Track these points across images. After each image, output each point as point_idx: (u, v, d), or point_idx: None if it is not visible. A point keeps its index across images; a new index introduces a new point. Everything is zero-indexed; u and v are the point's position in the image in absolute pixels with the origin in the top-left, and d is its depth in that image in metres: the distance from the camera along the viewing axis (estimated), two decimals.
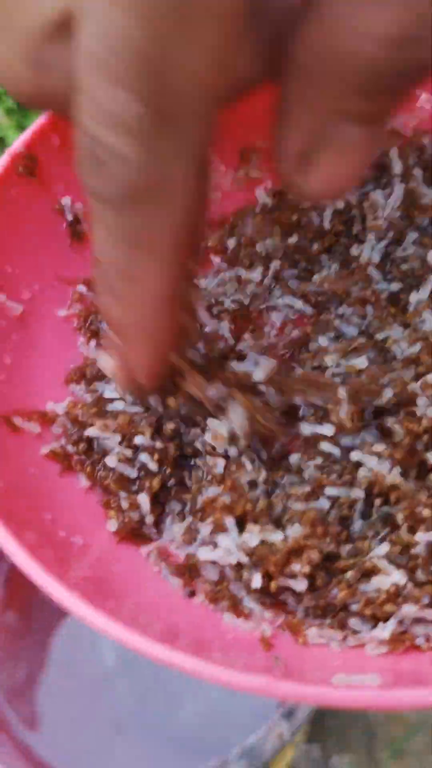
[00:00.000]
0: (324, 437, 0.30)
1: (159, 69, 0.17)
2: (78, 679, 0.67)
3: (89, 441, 0.32)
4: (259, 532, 0.28)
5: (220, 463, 0.30)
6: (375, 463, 0.29)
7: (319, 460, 0.30)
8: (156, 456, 0.31)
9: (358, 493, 0.29)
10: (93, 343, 0.36)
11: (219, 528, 0.29)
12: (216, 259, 0.38)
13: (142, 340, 0.25)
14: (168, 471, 0.31)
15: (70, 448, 0.32)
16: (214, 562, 0.29)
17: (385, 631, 0.26)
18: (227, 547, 0.28)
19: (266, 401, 0.31)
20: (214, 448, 0.30)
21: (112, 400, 0.33)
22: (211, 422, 0.30)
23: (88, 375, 0.35)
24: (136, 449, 0.31)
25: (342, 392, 0.29)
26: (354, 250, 0.35)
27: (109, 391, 0.34)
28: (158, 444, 0.31)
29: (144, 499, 0.31)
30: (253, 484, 0.30)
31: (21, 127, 0.70)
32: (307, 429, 0.30)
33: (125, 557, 0.30)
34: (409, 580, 0.27)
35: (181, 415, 0.31)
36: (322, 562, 0.28)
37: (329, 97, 0.20)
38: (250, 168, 0.39)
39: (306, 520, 0.28)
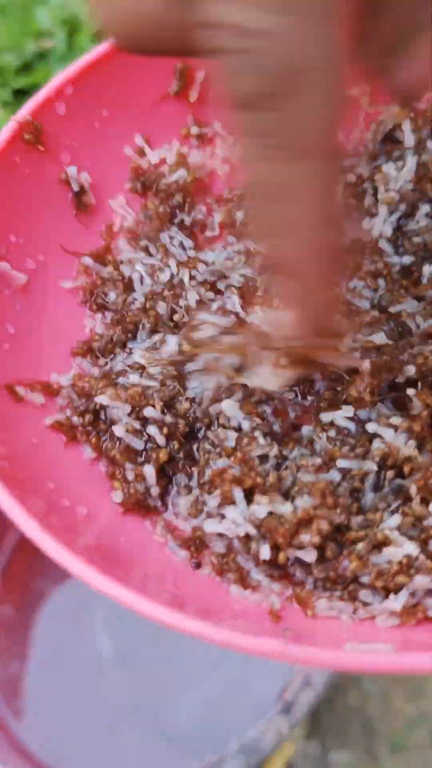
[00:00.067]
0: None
1: None
2: (73, 674, 0.66)
3: (96, 413, 0.32)
4: (268, 504, 0.28)
5: (232, 435, 0.30)
6: (391, 435, 0.28)
7: (332, 433, 0.29)
8: (165, 430, 0.30)
9: (371, 466, 0.28)
10: (99, 317, 0.36)
11: (227, 500, 0.28)
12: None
13: (319, 267, 0.23)
14: (176, 445, 0.31)
15: (75, 420, 0.32)
16: (221, 534, 0.28)
17: (396, 602, 0.26)
18: (235, 519, 0.28)
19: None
20: (229, 420, 0.30)
21: (122, 373, 0.32)
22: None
23: (95, 349, 0.34)
24: (145, 422, 0.31)
25: (367, 365, 0.29)
26: (365, 224, 0.34)
27: (120, 364, 0.33)
28: (168, 418, 0.30)
29: (150, 471, 0.30)
30: (263, 458, 0.29)
31: None
32: (326, 418, 0.30)
33: (131, 528, 0.30)
34: (422, 551, 0.26)
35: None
36: (332, 534, 0.27)
37: None
38: None
39: (316, 490, 0.27)
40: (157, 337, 0.34)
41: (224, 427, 0.30)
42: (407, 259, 0.33)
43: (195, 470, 0.31)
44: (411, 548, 0.26)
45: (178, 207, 0.38)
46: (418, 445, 0.28)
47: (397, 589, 0.26)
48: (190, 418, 0.31)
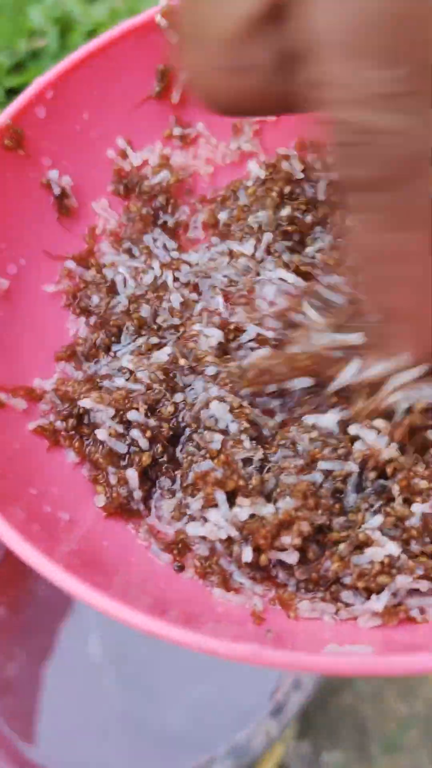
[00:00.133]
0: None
1: (417, 37, 0.17)
2: (64, 676, 0.66)
3: (79, 417, 0.32)
4: (250, 506, 0.28)
5: (218, 438, 0.29)
6: (373, 437, 0.28)
7: (314, 434, 0.29)
8: (148, 433, 0.30)
9: (353, 467, 0.28)
10: (83, 320, 0.36)
11: (209, 502, 0.28)
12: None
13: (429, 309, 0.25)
14: (159, 449, 0.30)
15: (58, 424, 0.32)
16: (204, 537, 0.28)
17: (378, 603, 0.26)
18: (217, 522, 0.28)
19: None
20: (217, 422, 0.30)
21: (107, 377, 0.32)
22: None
23: (79, 353, 0.34)
24: (128, 425, 0.30)
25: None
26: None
27: (105, 367, 0.33)
28: (152, 422, 0.30)
29: (132, 475, 0.30)
30: (247, 461, 0.29)
31: None
32: (310, 420, 0.29)
33: (114, 533, 0.30)
34: (404, 551, 0.26)
35: None
36: (314, 535, 0.27)
37: None
38: (243, 140, 0.39)
39: (297, 492, 0.27)
40: (141, 341, 0.34)
41: (211, 429, 0.30)
42: None
43: (178, 473, 0.30)
44: (392, 548, 0.26)
45: (161, 208, 0.38)
46: (400, 446, 0.28)
47: (379, 590, 0.26)
48: (176, 422, 0.31)
